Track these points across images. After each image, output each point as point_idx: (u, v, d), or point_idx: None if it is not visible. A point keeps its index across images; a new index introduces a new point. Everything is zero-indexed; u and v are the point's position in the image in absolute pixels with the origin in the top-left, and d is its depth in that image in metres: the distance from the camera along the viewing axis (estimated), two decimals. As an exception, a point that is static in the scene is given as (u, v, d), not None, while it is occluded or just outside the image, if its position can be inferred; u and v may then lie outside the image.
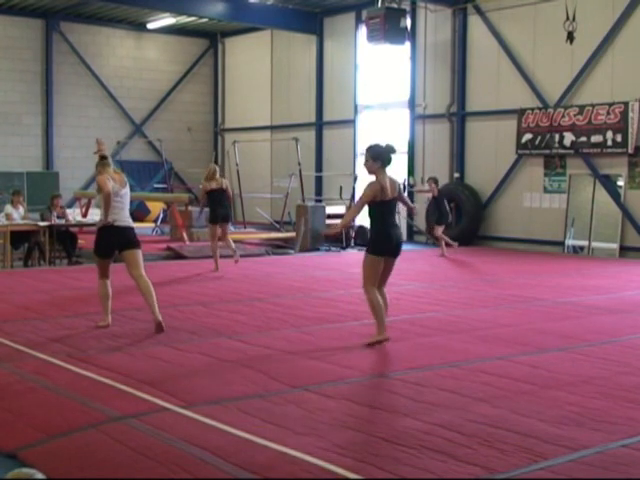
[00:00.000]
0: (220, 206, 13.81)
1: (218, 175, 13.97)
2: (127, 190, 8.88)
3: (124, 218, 8.76)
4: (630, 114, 16.90)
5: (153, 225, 22.18)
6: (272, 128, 26.05)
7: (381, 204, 7.92)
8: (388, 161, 7.94)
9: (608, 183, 17.51)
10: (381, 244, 7.98)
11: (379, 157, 7.91)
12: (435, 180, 17.17)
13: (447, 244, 16.88)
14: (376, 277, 7.99)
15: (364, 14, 21.31)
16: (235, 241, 18.07)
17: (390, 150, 7.96)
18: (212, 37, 27.90)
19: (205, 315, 9.50)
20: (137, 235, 8.92)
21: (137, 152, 26.76)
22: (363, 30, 21.42)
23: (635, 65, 16.97)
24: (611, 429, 5.31)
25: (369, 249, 8.10)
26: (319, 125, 24.24)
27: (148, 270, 12.82)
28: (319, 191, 23.85)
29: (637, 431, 5.25)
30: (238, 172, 22.87)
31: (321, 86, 24.11)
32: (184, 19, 25.05)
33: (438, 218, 16.87)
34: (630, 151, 16.92)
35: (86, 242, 16.59)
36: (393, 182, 8.04)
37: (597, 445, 4.98)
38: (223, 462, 4.60)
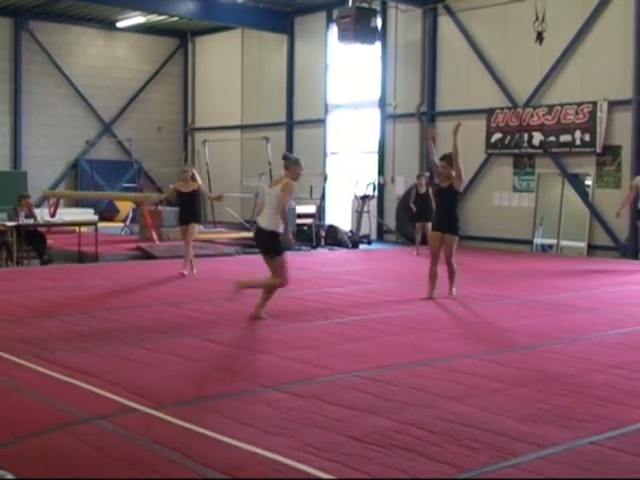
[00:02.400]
0: (187, 208, 13.30)
1: (193, 178, 13.48)
2: (270, 191, 9.16)
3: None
4: (598, 114, 17.05)
5: (122, 225, 22.05)
6: (242, 127, 26.01)
7: None
8: None
9: (576, 182, 17.66)
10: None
11: None
12: (426, 176, 16.72)
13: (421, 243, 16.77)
14: None
15: (335, 14, 21.31)
16: (205, 240, 18.07)
17: None
18: (182, 36, 27.80)
19: (175, 315, 9.46)
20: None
21: (106, 151, 26.60)
22: (334, 30, 21.43)
23: (603, 65, 17.12)
24: (579, 426, 5.35)
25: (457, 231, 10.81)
26: (289, 124, 24.23)
27: (116, 270, 12.75)
28: (290, 190, 23.78)
29: (605, 428, 5.30)
30: (208, 171, 22.79)
31: (292, 85, 24.11)
32: (154, 18, 24.95)
33: (425, 216, 16.39)
34: (598, 150, 17.08)
35: (55, 242, 16.48)
36: None
37: (566, 442, 5.01)
38: (192, 462, 4.57)
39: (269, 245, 9.03)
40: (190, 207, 13.26)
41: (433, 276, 10.92)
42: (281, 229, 9.01)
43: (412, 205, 17.01)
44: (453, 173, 10.67)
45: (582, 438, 5.09)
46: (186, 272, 12.96)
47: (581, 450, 4.89)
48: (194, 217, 13.32)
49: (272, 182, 9.69)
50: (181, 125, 28.35)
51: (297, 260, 16.21)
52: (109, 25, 25.97)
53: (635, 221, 15.14)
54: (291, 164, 9.37)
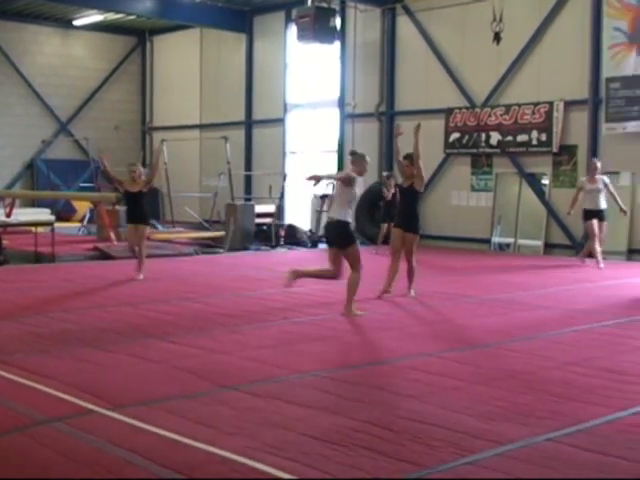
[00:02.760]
0: (134, 208, 12.76)
1: (141, 177, 13.18)
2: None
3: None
4: (555, 114, 17.24)
5: (80, 225, 21.84)
6: (201, 127, 25.90)
7: None
8: None
9: (533, 181, 17.84)
10: None
11: None
12: (394, 176, 16.56)
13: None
14: None
15: (294, 13, 21.32)
16: (164, 240, 17.97)
17: None
18: (140, 35, 27.61)
19: (133, 316, 9.39)
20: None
21: (63, 151, 26.33)
22: (293, 29, 21.43)
23: (560, 66, 17.31)
24: (537, 423, 5.40)
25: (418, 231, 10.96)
26: (249, 124, 24.18)
27: (74, 270, 12.62)
28: (248, 190, 23.79)
29: (562, 425, 5.35)
30: (166, 171, 22.64)
31: (250, 85, 24.06)
32: (112, 16, 24.72)
33: (391, 217, 16.34)
34: (555, 150, 17.27)
35: (11, 242, 16.27)
36: None
37: (523, 439, 5.06)
38: (150, 463, 4.54)
39: (341, 235, 9.40)
40: (137, 207, 12.71)
41: (393, 271, 11.01)
42: (350, 219, 9.48)
43: (382, 204, 17.08)
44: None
45: (539, 435, 5.14)
46: (141, 277, 12.66)
47: (539, 447, 4.94)
48: (141, 218, 12.74)
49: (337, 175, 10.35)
50: (139, 124, 28.16)
51: (256, 260, 16.20)
52: (66, 23, 25.71)
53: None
54: (358, 159, 9.91)
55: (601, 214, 14.48)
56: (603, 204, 14.51)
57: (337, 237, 9.43)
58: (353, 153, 10.18)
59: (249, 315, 9.46)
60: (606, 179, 14.66)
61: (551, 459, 4.72)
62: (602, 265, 14.25)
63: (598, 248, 14.36)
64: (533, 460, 4.70)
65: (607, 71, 16.41)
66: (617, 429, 5.30)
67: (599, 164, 14.71)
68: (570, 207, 14.72)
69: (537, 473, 4.51)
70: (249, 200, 21.19)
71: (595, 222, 14.34)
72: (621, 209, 14.43)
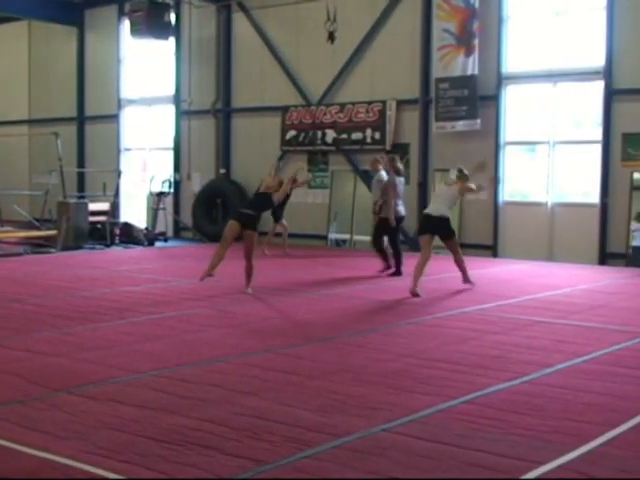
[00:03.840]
0: None
1: None
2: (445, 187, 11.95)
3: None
4: (388, 112, 17.67)
5: None
6: (30, 122, 24.99)
7: None
8: None
9: (368, 179, 18.18)
10: None
11: None
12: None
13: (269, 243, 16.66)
14: None
15: (127, 7, 20.92)
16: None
17: None
18: (-37, 26, 26.33)
19: (-42, 319, 8.95)
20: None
21: None
22: (126, 23, 21.00)
23: (392, 66, 17.74)
24: (372, 414, 5.52)
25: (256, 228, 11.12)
26: (81, 120, 23.53)
27: None
28: (82, 188, 23.15)
29: (396, 415, 5.48)
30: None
31: (82, 80, 23.41)
32: None
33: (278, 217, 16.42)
34: (388, 148, 17.68)
35: None
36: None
37: (360, 430, 5.15)
38: (-22, 473, 4.35)
39: (448, 227, 11.40)
40: None
41: (218, 256, 11.19)
42: (450, 216, 11.48)
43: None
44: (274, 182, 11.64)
45: (375, 426, 5.25)
46: None
47: (375, 437, 5.04)
48: None
49: (447, 182, 12.15)
50: (-38, 119, 26.91)
51: (91, 259, 15.79)
52: None
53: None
54: (463, 177, 11.70)
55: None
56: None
57: (445, 229, 11.35)
58: (461, 171, 11.84)
59: (84, 316, 9.20)
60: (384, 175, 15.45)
61: (387, 449, 4.83)
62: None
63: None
64: (370, 451, 4.80)
65: (437, 72, 16.95)
66: (449, 417, 5.48)
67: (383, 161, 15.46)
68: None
69: (374, 463, 4.60)
70: (82, 198, 20.61)
71: None
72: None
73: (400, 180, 13.34)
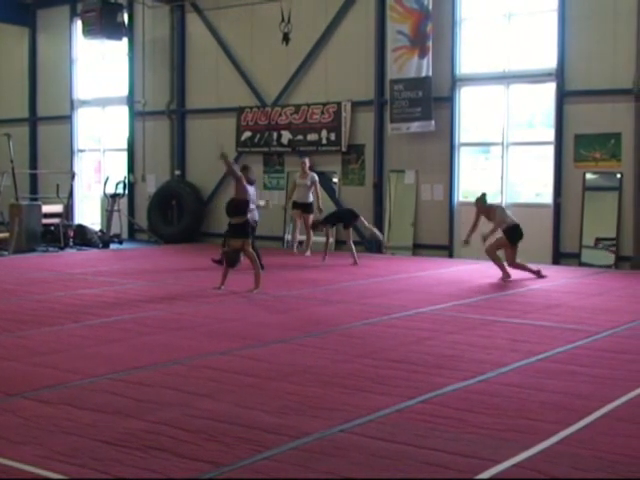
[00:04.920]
0: None
1: None
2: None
3: None
4: (343, 114, 17.70)
5: None
6: (-19, 123, 24.61)
7: None
8: None
9: (324, 180, 18.20)
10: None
11: None
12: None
13: None
14: None
15: (79, 7, 20.70)
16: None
17: None
18: None
19: None
20: None
21: None
22: (79, 24, 20.78)
23: (346, 67, 17.78)
24: (329, 415, 5.52)
25: None
26: (33, 121, 23.24)
27: None
28: (34, 189, 22.86)
29: (353, 416, 5.49)
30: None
31: (34, 80, 23.11)
32: None
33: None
34: (343, 149, 17.73)
35: None
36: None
37: (317, 431, 5.15)
38: None
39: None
40: None
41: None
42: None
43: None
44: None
45: (333, 427, 5.25)
46: None
47: (332, 438, 5.05)
48: None
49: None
50: None
51: (44, 261, 15.60)
52: None
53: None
54: (480, 202, 13.09)
55: (306, 207, 16.70)
56: (310, 198, 16.67)
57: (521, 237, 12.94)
58: (480, 200, 13.13)
59: (37, 319, 9.09)
60: (315, 177, 16.66)
61: (344, 449, 4.84)
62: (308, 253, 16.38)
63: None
64: (327, 451, 4.80)
65: (391, 73, 17.00)
66: (406, 417, 5.51)
67: (308, 162, 16.87)
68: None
69: (332, 464, 4.60)
70: (35, 200, 20.35)
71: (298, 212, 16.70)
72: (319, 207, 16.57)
73: (251, 188, 13.62)
